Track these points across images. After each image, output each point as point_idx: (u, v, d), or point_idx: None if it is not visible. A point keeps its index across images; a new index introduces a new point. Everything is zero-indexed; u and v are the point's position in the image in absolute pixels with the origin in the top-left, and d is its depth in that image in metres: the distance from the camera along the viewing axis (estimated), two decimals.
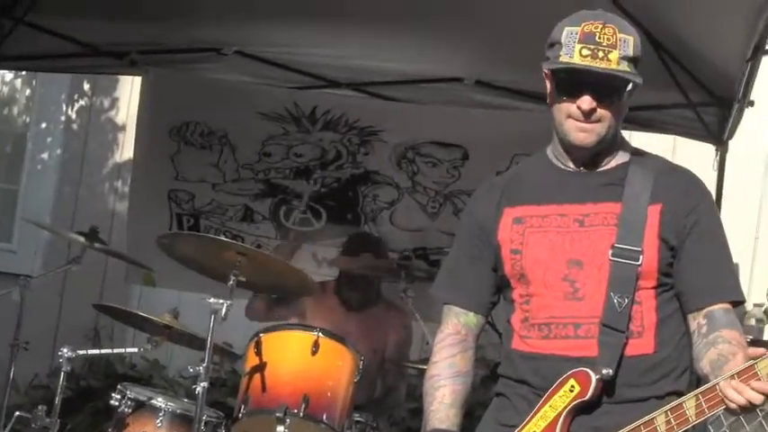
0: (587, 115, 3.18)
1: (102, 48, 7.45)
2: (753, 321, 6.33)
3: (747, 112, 6.60)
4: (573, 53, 3.14)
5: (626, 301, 3.16)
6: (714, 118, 6.80)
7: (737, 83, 6.24)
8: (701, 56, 5.72)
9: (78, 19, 6.97)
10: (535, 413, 3.16)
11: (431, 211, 7.65)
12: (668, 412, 2.98)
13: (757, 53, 5.93)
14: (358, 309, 6.45)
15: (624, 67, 3.15)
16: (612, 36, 3.14)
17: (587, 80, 3.14)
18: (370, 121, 7.62)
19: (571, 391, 3.12)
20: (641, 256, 3.17)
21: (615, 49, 3.13)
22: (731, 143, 6.89)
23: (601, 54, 3.12)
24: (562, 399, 3.13)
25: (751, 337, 6.00)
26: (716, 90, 6.47)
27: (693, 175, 3.36)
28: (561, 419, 3.12)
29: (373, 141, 7.65)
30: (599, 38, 3.13)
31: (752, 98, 6.46)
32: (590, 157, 3.29)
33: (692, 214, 3.23)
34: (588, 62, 3.13)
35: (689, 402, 2.96)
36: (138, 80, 8.33)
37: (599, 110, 3.18)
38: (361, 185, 7.75)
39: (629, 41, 3.16)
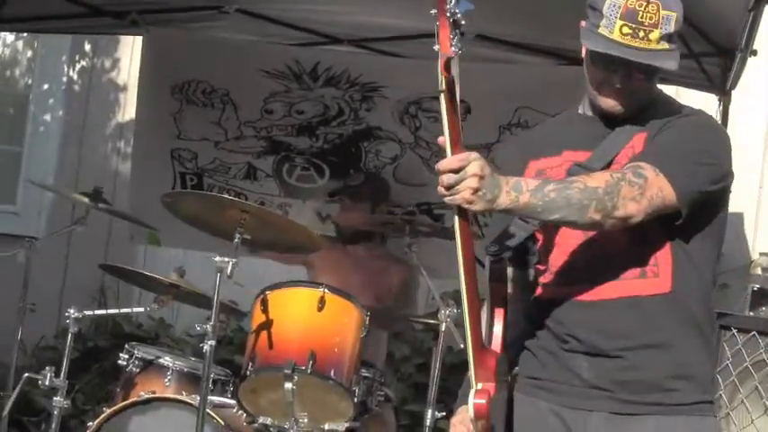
0: (619, 91, 3.17)
1: (103, 8, 7.41)
2: (759, 270, 6.30)
3: (750, 61, 6.56)
4: (613, 29, 3.10)
5: None
6: (717, 68, 6.75)
7: (740, 32, 6.20)
8: (702, 5, 5.67)
9: None
10: None
11: (434, 165, 7.63)
12: None
13: (760, 2, 5.88)
14: (362, 256, 6.44)
15: (664, 45, 3.11)
16: (656, 14, 3.09)
17: (624, 60, 3.12)
18: (371, 77, 7.59)
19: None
20: None
21: (657, 28, 3.09)
22: (734, 93, 6.85)
23: (641, 34, 3.08)
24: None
25: (757, 286, 5.97)
26: (718, 40, 6.43)
27: (702, 115, 3.34)
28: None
29: (375, 97, 7.62)
30: (641, 17, 3.08)
31: (755, 47, 6.42)
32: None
33: (667, 124, 3.21)
34: (628, 41, 3.08)
35: None
36: (139, 40, 8.28)
37: (632, 85, 3.17)
38: (364, 141, 7.73)
39: (671, 18, 3.11)
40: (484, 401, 2.99)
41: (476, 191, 2.89)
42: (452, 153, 2.91)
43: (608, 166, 3.17)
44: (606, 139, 3.23)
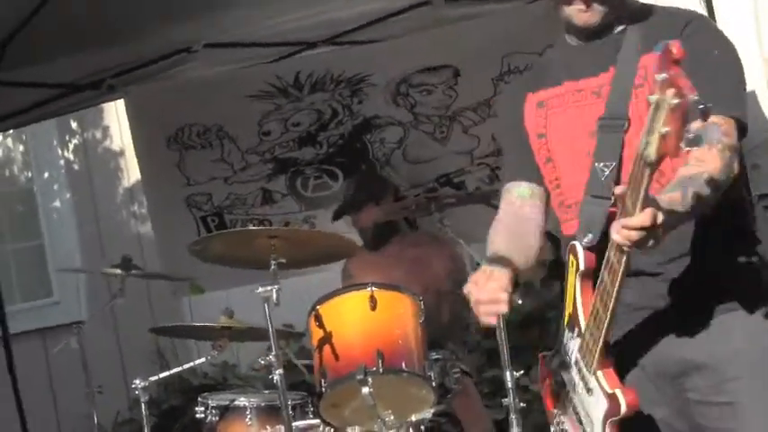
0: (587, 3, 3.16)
1: (78, 82, 7.42)
2: None
3: None
4: None
5: (611, 167, 3.11)
6: None
7: None
8: None
9: (44, 64, 6.93)
10: (566, 295, 3.16)
11: (440, 136, 7.63)
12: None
13: None
14: (396, 252, 6.40)
15: None
16: None
17: None
18: (354, 69, 7.59)
19: (572, 266, 3.11)
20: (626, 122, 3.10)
21: None
22: None
23: None
24: (571, 276, 3.13)
25: None
26: None
27: (708, 23, 3.31)
28: (577, 294, 3.09)
29: (364, 88, 7.62)
30: None
31: None
32: (598, 30, 3.25)
33: (685, 44, 3.16)
34: None
35: None
36: (121, 103, 8.30)
37: None
38: (366, 134, 7.73)
39: None
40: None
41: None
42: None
43: (627, 101, 3.12)
44: (615, 75, 3.18)
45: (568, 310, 3.15)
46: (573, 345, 3.14)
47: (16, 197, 10.28)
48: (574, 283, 3.11)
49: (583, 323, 3.08)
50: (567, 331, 3.17)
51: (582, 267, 3.06)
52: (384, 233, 6.41)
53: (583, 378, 3.10)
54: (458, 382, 5.55)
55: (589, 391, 3.07)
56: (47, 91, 7.35)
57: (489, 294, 3.22)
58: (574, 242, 3.09)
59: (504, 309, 3.22)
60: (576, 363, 3.12)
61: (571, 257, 3.11)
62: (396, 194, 6.69)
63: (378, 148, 7.66)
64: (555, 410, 3.32)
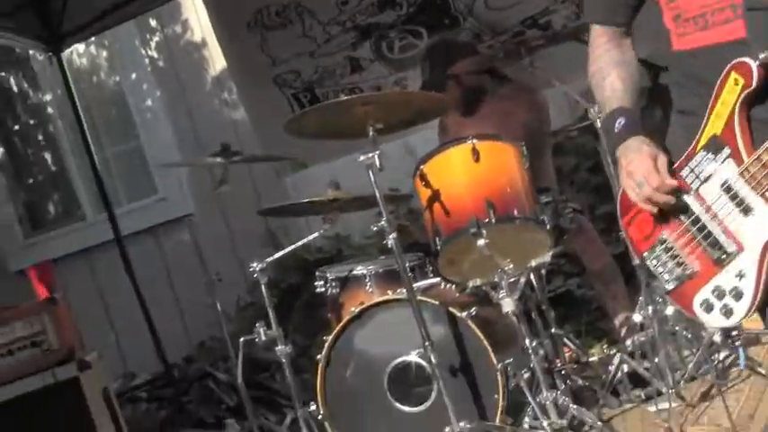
0: None
1: None
2: None
3: None
4: None
5: None
6: None
7: None
8: None
9: None
10: (709, 112, 3.07)
11: None
12: None
13: None
14: (488, 111, 6.29)
15: None
16: None
17: None
18: None
19: (736, 84, 3.00)
20: None
21: None
22: None
23: None
24: (730, 94, 3.02)
25: None
26: None
27: None
28: (736, 114, 3.02)
29: None
30: None
31: None
32: None
33: None
34: None
35: None
36: None
37: None
38: None
39: None
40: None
41: None
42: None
43: None
44: None
45: (713, 130, 3.06)
46: (713, 166, 3.06)
47: (108, 102, 10.36)
48: (732, 102, 3.00)
49: (741, 144, 2.99)
50: (703, 152, 3.09)
51: (754, 85, 2.96)
52: (472, 99, 6.29)
53: (739, 200, 3.02)
54: (572, 222, 5.54)
55: (747, 212, 3.01)
56: None
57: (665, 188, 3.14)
58: (744, 59, 2.97)
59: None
60: (726, 184, 3.04)
61: (734, 74, 3.00)
62: (474, 50, 6.56)
63: (458, 0, 7.56)
64: (659, 236, 3.24)
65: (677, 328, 5.42)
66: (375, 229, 4.88)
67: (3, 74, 10.66)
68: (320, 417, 5.34)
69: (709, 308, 3.11)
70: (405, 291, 4.89)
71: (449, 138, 6.18)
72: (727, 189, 3.04)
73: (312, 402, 5.41)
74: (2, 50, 10.37)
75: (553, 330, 5.60)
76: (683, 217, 3.15)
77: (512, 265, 5.01)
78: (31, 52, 10.05)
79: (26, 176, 10.69)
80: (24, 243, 10.40)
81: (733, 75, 2.99)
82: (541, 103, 6.22)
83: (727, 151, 3.04)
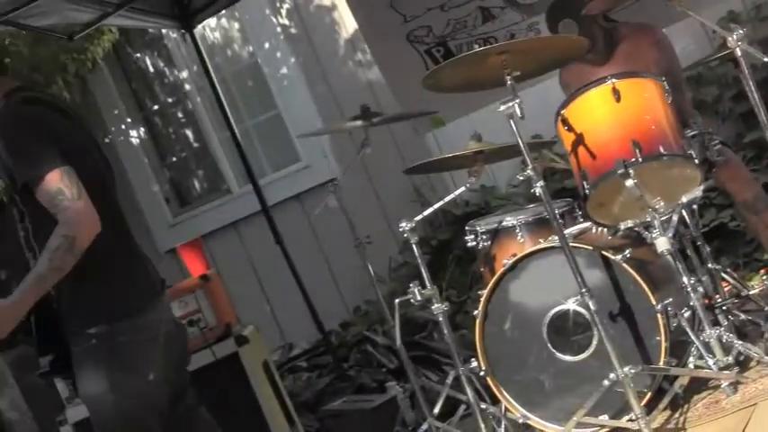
0: None
1: None
2: None
3: None
4: None
5: None
6: None
7: None
8: None
9: None
10: None
11: None
12: None
13: None
14: (607, 53, 6.15)
15: None
16: None
17: None
18: None
19: None
20: None
21: None
22: None
23: None
24: None
25: None
26: None
27: None
28: None
29: None
30: None
31: None
32: None
33: None
34: None
35: None
36: None
37: None
38: None
39: None
40: None
41: None
42: None
43: None
44: None
45: None
46: None
47: (244, 74, 10.48)
48: None
49: None
50: None
51: None
52: (600, 39, 6.14)
53: None
54: (720, 154, 5.47)
55: None
56: None
57: None
58: None
59: None
60: None
61: None
62: None
63: None
64: None
65: None
66: (521, 178, 4.89)
67: (138, 55, 10.87)
68: (482, 372, 5.39)
69: None
70: (556, 238, 4.90)
71: (568, 91, 6.09)
72: None
73: (472, 359, 5.45)
74: (135, 32, 10.58)
75: (710, 266, 5.55)
76: None
77: (662, 203, 4.97)
78: (163, 31, 10.24)
79: (169, 155, 10.91)
80: (173, 221, 10.63)
81: None
82: (664, 40, 6.12)
83: None
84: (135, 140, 10.71)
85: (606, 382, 4.72)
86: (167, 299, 4.73)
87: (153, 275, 4.63)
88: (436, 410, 5.67)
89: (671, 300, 4.96)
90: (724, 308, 5.31)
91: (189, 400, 4.78)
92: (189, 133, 10.85)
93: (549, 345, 5.20)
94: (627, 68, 5.76)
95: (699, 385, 5.05)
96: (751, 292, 5.54)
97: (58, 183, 4.21)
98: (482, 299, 5.38)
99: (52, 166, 4.22)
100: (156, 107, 10.85)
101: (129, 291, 4.44)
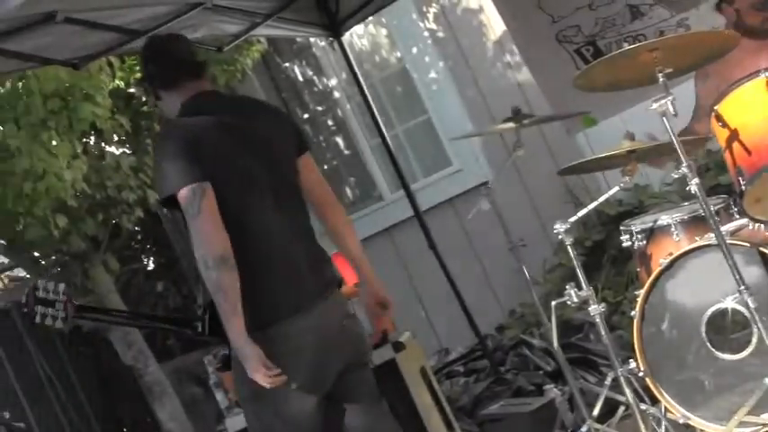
0: None
1: None
2: None
3: None
4: None
5: None
6: None
7: None
8: None
9: None
10: None
11: None
12: None
13: None
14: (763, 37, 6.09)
15: None
16: None
17: None
18: None
19: None
20: None
21: None
22: None
23: None
24: None
25: None
26: None
27: None
28: None
29: None
30: None
31: None
32: None
33: None
34: None
35: None
36: None
37: None
38: None
39: None
40: None
41: None
42: None
43: None
44: None
45: None
46: None
47: (392, 80, 10.61)
48: None
49: None
50: None
51: None
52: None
53: None
54: None
55: None
56: None
57: None
58: None
59: None
60: None
61: None
62: None
63: None
64: None
65: None
66: (675, 175, 4.90)
67: (287, 64, 11.09)
68: (641, 373, 5.39)
69: None
70: (713, 236, 4.90)
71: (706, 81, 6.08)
72: None
73: (631, 360, 5.46)
74: (283, 42, 10.78)
75: None
76: None
77: None
78: (311, 40, 10.41)
79: (321, 163, 11.08)
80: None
81: None
82: None
83: None
84: None
85: (767, 381, 4.71)
86: (335, 300, 4.82)
87: (312, 279, 4.71)
88: (595, 412, 5.68)
89: None
90: None
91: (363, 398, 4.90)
92: (339, 141, 11.02)
93: (708, 344, 5.19)
94: None
95: None
96: None
97: (184, 201, 4.40)
98: (639, 299, 5.38)
99: (181, 184, 4.41)
100: (306, 116, 11.04)
101: (270, 299, 4.56)
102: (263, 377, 4.36)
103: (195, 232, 4.38)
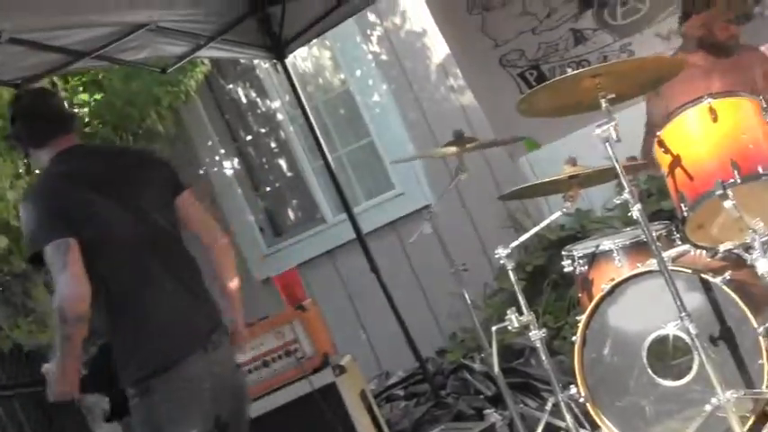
0: None
1: None
2: None
3: None
4: None
5: None
6: None
7: None
8: None
9: None
10: None
11: None
12: None
13: None
14: (725, 55, 6.14)
15: None
16: None
17: None
18: None
19: None
20: None
21: None
22: None
23: None
24: None
25: None
26: None
27: None
28: None
29: None
30: None
31: None
32: None
33: None
34: None
35: None
36: None
37: None
38: None
39: None
40: None
41: None
42: None
43: None
44: None
45: None
46: None
47: (336, 102, 10.59)
48: None
49: None
50: None
51: None
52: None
53: None
54: None
55: None
56: None
57: None
58: None
59: None
60: None
61: None
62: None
63: None
64: None
65: None
66: (618, 201, 4.90)
67: (230, 86, 11.03)
68: (581, 399, 5.39)
69: None
70: (655, 262, 4.89)
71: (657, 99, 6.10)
72: None
73: (571, 385, 5.45)
74: (227, 64, 10.73)
75: None
76: None
77: (762, 224, 4.94)
78: (255, 62, 10.37)
79: (263, 185, 11.04)
80: (267, 251, 10.74)
81: None
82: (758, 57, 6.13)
83: None
84: (229, 171, 10.86)
85: (708, 407, 4.70)
86: (223, 347, 4.76)
87: (198, 326, 4.68)
88: None
89: None
90: None
91: None
92: (282, 163, 10.97)
93: (649, 370, 5.19)
94: (732, 79, 5.80)
95: None
96: None
97: (49, 257, 4.39)
98: (580, 324, 5.38)
99: (47, 240, 4.40)
100: (249, 137, 10.99)
101: (159, 345, 4.53)
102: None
103: (60, 286, 4.37)
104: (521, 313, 5.56)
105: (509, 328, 5.59)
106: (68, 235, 4.40)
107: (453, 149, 5.94)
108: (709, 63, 6.07)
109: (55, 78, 8.46)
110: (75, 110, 9.25)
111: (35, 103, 4.87)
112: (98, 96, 9.45)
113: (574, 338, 5.39)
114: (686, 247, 5.43)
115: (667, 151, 5.15)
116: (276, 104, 10.71)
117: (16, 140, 4.86)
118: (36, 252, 4.44)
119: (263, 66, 10.44)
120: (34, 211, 4.52)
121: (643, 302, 5.23)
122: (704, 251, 5.34)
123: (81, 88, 9.33)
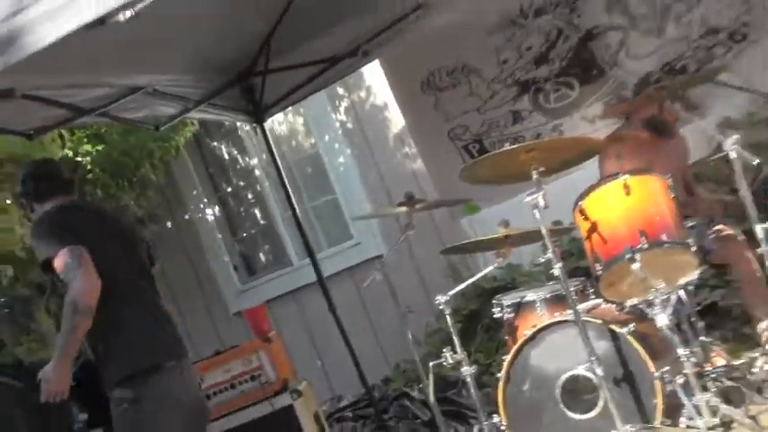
0: None
1: (338, 55, 7.57)
2: None
3: None
4: None
5: None
6: None
7: None
8: None
9: (310, 42, 7.15)
10: None
11: (659, 29, 7.50)
12: None
13: None
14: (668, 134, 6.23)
15: None
16: None
17: None
18: None
19: None
20: None
21: None
22: None
23: None
24: None
25: None
26: None
27: None
28: None
29: (579, 4, 7.58)
30: None
31: None
32: None
33: None
34: None
35: None
36: (377, 63, 8.47)
37: None
38: (590, 42, 7.68)
39: None
40: None
41: None
42: None
43: None
44: None
45: None
46: None
47: (306, 162, 10.60)
48: None
49: None
50: None
51: None
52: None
53: None
54: (717, 240, 5.52)
55: None
56: (313, 68, 7.56)
57: None
58: None
59: None
60: None
61: None
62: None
63: (603, 53, 7.61)
64: None
65: None
66: (542, 260, 4.97)
67: (215, 144, 11.03)
68: (503, 427, 5.44)
69: None
70: (571, 312, 4.97)
71: (611, 162, 6.16)
72: None
73: (495, 414, 5.50)
74: (213, 124, 10.75)
75: (702, 338, 5.58)
76: None
77: (664, 285, 5.02)
78: (238, 124, 10.39)
79: (240, 231, 11.04)
80: (241, 288, 10.73)
81: None
82: (687, 143, 6.26)
83: None
84: (210, 217, 10.86)
85: None
86: (192, 372, 4.85)
87: (176, 342, 4.82)
88: None
89: (668, 368, 5.00)
90: (713, 376, 5.32)
91: None
92: (257, 212, 10.97)
93: (561, 404, 5.24)
94: (677, 157, 5.98)
95: None
96: (737, 363, 5.56)
97: (65, 257, 4.49)
98: (505, 363, 5.43)
99: (61, 246, 4.50)
100: (229, 189, 10.99)
101: (145, 347, 4.63)
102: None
103: (75, 282, 4.43)
104: (455, 351, 5.63)
105: (444, 363, 5.65)
106: (80, 244, 4.51)
107: (404, 208, 6.00)
108: (654, 142, 6.17)
109: (62, 131, 8.47)
110: (79, 158, 9.26)
111: (42, 167, 5.07)
112: (99, 148, 9.44)
113: (499, 375, 5.45)
114: (598, 300, 5.50)
115: (587, 218, 5.23)
116: (254, 162, 10.72)
117: (24, 197, 5.00)
118: (48, 258, 4.53)
119: (244, 128, 10.47)
120: (48, 225, 4.66)
121: (559, 347, 5.30)
122: (613, 305, 5.39)
123: (85, 140, 9.32)
